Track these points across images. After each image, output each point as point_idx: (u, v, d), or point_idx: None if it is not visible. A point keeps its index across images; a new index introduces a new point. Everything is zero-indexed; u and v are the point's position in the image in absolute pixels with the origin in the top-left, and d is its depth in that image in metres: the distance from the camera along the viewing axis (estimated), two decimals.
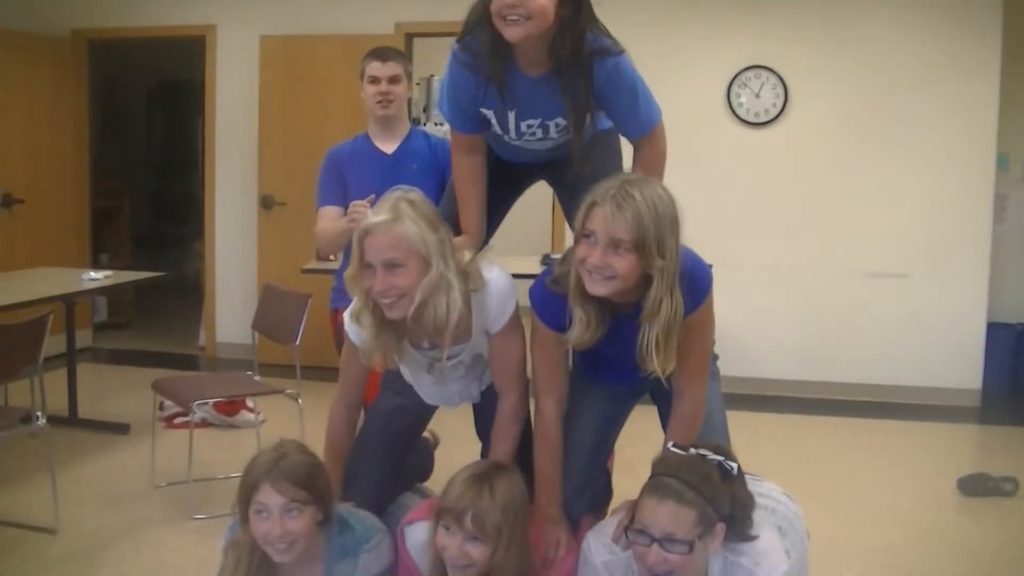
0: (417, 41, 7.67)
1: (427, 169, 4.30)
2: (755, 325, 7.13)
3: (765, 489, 2.81)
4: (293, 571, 2.65)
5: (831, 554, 4.04)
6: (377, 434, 3.13)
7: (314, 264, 5.79)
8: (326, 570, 2.67)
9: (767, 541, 2.58)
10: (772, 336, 7.23)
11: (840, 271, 7.17)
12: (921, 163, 6.98)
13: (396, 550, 2.81)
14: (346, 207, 4.23)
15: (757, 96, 7.19)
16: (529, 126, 2.90)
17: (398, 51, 4.54)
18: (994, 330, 7.20)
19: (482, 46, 2.73)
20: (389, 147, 4.40)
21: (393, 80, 4.34)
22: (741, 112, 7.22)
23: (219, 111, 8.09)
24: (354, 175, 4.31)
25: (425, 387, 3.05)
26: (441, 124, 6.60)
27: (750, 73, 7.18)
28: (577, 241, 2.59)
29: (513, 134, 2.93)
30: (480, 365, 2.96)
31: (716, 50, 7.20)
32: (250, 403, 5.82)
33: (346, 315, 2.83)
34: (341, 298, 4.25)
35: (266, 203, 7.70)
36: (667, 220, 2.51)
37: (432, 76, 8.26)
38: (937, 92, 6.92)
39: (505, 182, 3.15)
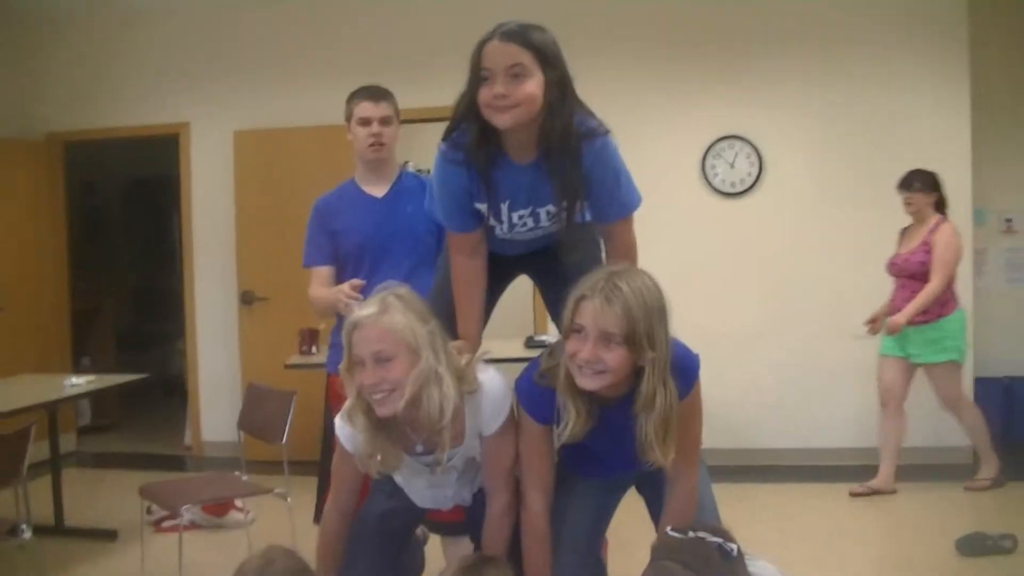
0: None
1: (420, 211, 3.97)
2: (741, 393, 7.10)
3: (758, 568, 2.77)
4: None
5: None
6: (370, 538, 3.07)
7: (298, 359, 5.78)
8: None
9: None
10: (759, 404, 7.21)
11: (824, 334, 7.16)
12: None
13: None
14: (337, 261, 4.16)
15: (732, 166, 7.25)
16: (520, 216, 2.89)
17: (387, 91, 4.30)
18: (981, 385, 7.19)
19: (471, 139, 2.74)
20: (379, 191, 4.22)
21: (384, 121, 4.15)
22: (716, 183, 7.27)
23: (195, 207, 8.10)
24: (344, 223, 4.16)
25: (418, 491, 3.01)
26: None
27: (724, 143, 7.25)
28: (566, 336, 2.57)
29: (505, 227, 2.92)
30: (473, 469, 2.92)
31: (689, 121, 7.26)
32: (239, 503, 5.75)
33: (338, 419, 2.80)
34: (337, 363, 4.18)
35: (246, 299, 7.67)
36: (656, 311, 2.51)
37: (407, 162, 8.28)
38: (911, 152, 6.94)
39: (491, 278, 3.12)
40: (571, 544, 2.93)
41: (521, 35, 2.61)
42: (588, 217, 2.93)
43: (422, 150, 8.27)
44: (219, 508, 5.76)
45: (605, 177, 2.80)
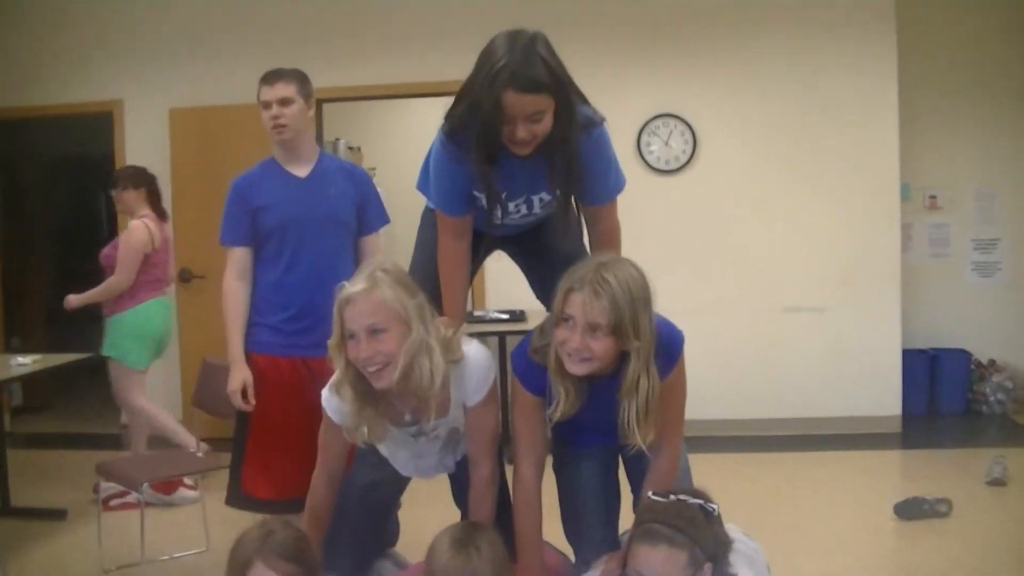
0: (326, 106, 7.69)
1: (344, 193, 4.12)
2: None
3: (727, 529, 2.90)
4: None
5: None
6: (356, 508, 3.13)
7: None
8: None
9: None
10: (695, 378, 7.30)
11: (758, 309, 7.36)
12: (829, 198, 7.22)
13: None
14: (255, 241, 4.09)
15: (667, 144, 7.37)
16: (516, 204, 2.99)
17: (289, 71, 4.15)
18: (908, 356, 7.43)
19: (474, 146, 2.76)
20: (302, 171, 4.14)
21: (283, 103, 4.02)
22: (652, 160, 7.39)
23: None
24: (267, 199, 4.05)
25: (402, 461, 3.09)
26: None
27: (659, 121, 7.37)
28: (556, 324, 2.68)
29: (500, 214, 2.98)
30: (456, 438, 3.01)
31: (624, 100, 7.32)
32: (188, 480, 5.75)
33: (325, 391, 2.85)
34: (258, 342, 4.16)
35: (184, 276, 7.63)
36: (641, 302, 2.66)
37: (337, 139, 8.28)
38: (840, 129, 7.19)
39: (472, 254, 3.18)
40: (593, 504, 3.07)
41: (537, 82, 2.62)
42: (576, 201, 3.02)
43: (352, 128, 8.31)
44: (167, 486, 5.74)
45: (599, 164, 2.93)
